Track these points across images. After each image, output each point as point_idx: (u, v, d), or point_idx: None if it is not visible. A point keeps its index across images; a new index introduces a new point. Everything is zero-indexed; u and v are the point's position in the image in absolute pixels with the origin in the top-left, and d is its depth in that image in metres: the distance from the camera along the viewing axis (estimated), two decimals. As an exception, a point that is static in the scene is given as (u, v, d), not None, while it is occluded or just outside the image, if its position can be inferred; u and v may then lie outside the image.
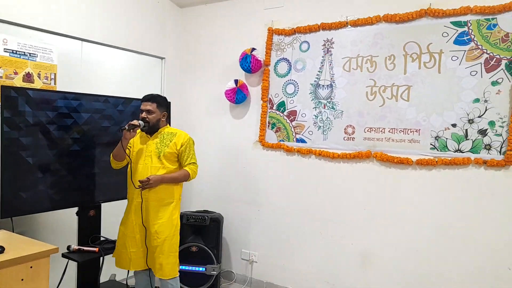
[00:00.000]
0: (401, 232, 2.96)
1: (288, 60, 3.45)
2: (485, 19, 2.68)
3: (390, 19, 2.98)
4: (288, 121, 3.45)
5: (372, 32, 3.06)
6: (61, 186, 2.69)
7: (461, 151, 2.75)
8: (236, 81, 3.60)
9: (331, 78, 3.24)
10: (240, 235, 3.74)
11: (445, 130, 2.80)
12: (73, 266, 2.81)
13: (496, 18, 2.64)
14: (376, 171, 3.05)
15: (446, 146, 2.80)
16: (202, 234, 3.47)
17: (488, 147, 2.67)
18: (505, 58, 2.62)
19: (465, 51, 2.74)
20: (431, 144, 2.85)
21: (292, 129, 3.42)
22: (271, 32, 3.52)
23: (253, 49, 3.49)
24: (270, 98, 3.54)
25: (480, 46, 2.70)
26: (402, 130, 2.94)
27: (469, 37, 2.73)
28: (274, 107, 3.52)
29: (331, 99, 3.23)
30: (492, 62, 2.66)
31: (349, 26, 3.16)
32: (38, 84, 2.91)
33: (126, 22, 3.55)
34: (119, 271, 3.27)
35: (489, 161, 2.65)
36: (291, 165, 3.44)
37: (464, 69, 2.74)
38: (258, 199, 3.63)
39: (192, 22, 4.07)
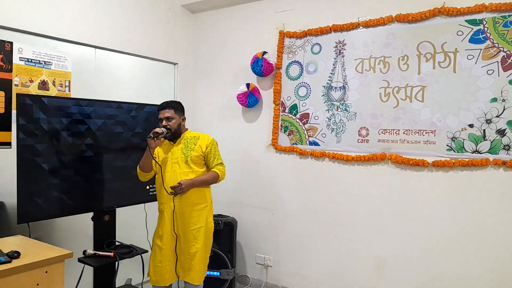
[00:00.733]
0: (418, 236, 2.90)
1: (300, 62, 3.43)
2: (501, 16, 2.61)
3: (402, 19, 2.93)
4: (300, 124, 3.42)
5: (385, 32, 3.02)
6: (75, 191, 2.71)
7: (479, 152, 2.68)
8: (247, 85, 3.60)
9: (344, 80, 3.20)
10: (254, 239, 3.72)
11: (462, 130, 2.73)
12: (89, 270, 2.83)
13: (512, 15, 2.58)
14: (391, 173, 3.00)
15: (463, 147, 2.73)
16: (216, 238, 3.43)
17: (507, 148, 2.60)
18: (523, 56, 2.56)
19: (481, 49, 2.67)
20: (447, 145, 2.78)
21: (305, 132, 3.40)
22: (282, 35, 3.50)
23: (265, 52, 3.48)
24: (282, 101, 3.52)
25: (496, 44, 2.63)
26: (417, 131, 2.89)
27: (484, 35, 2.67)
28: (287, 110, 3.50)
29: (344, 101, 3.20)
30: (509, 60, 2.59)
31: (361, 27, 3.13)
32: (53, 91, 2.95)
33: (138, 28, 3.59)
34: (135, 275, 3.29)
35: (509, 161, 2.58)
36: (304, 168, 3.41)
37: (481, 68, 2.67)
38: (272, 203, 3.61)
39: (204, 27, 4.09)
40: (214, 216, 3.55)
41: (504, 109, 2.61)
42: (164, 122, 2.71)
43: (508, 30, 2.59)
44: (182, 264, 2.72)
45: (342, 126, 3.21)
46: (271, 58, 3.48)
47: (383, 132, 3.02)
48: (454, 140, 2.76)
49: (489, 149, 2.65)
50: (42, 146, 2.53)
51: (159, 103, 3.21)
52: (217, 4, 3.90)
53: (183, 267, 2.72)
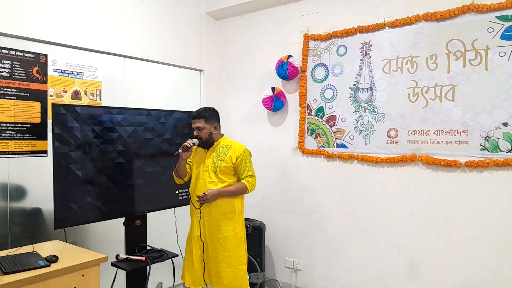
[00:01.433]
0: (452, 238, 2.82)
1: (325, 65, 3.41)
2: (534, 10, 2.53)
3: (430, 17, 2.88)
4: (327, 126, 3.40)
5: (412, 32, 2.97)
6: (108, 197, 2.78)
7: (514, 151, 2.60)
8: (273, 89, 3.61)
9: (371, 81, 3.17)
10: (283, 243, 3.71)
11: (496, 129, 2.65)
12: (121, 274, 2.89)
13: (547, 9, 2.50)
14: (422, 174, 2.93)
15: (498, 146, 2.65)
16: (244, 242, 3.47)
17: (544, 146, 2.51)
18: (559, 51, 2.46)
19: (513, 45, 2.60)
20: (481, 145, 2.71)
21: (332, 135, 3.37)
22: (307, 38, 3.50)
23: (289, 56, 3.49)
24: (308, 104, 3.51)
25: (530, 40, 2.55)
26: (448, 131, 2.82)
27: (517, 31, 2.59)
28: (313, 113, 3.48)
29: (372, 102, 3.16)
30: (545, 56, 2.50)
31: (387, 28, 3.09)
32: (85, 100, 3.05)
33: (165, 37, 3.67)
34: (166, 279, 3.34)
35: (547, 160, 2.48)
36: (332, 171, 3.39)
37: (514, 65, 2.59)
38: (300, 206, 3.60)
39: (228, 33, 4.13)
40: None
41: (540, 106, 2.52)
42: (195, 132, 2.75)
43: (543, 25, 2.51)
44: (210, 271, 2.75)
45: (370, 128, 3.17)
46: (296, 61, 3.48)
47: (413, 132, 2.97)
48: (487, 140, 2.68)
49: (525, 148, 2.57)
50: (76, 153, 2.61)
51: (186, 110, 3.28)
52: (241, 10, 3.94)
53: (210, 274, 2.75)
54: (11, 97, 2.62)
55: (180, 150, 2.67)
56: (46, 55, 2.80)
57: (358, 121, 3.23)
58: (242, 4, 3.79)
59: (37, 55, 2.76)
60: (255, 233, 3.47)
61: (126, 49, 3.33)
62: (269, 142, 3.80)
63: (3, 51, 2.58)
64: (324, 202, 3.45)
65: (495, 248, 2.67)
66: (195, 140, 2.73)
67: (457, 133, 2.79)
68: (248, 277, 3.34)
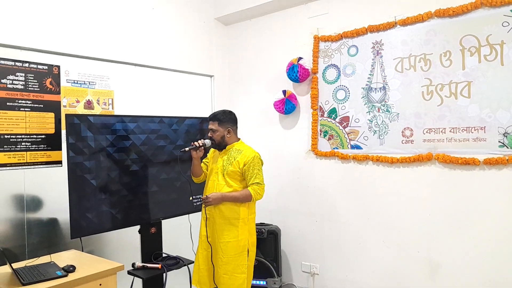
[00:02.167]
0: (472, 238, 2.76)
1: (337, 66, 3.38)
2: (550, 2, 2.47)
3: (442, 14, 2.83)
4: (340, 127, 3.37)
5: (424, 29, 2.93)
6: (123, 205, 2.79)
7: (535, 147, 2.53)
8: (284, 92, 3.59)
9: (384, 80, 3.13)
10: (299, 247, 3.68)
11: (514, 125, 2.59)
12: (138, 282, 2.89)
13: None
14: (439, 173, 2.88)
15: (517, 142, 2.59)
16: (260, 247, 3.44)
17: None
18: None
19: (530, 39, 2.54)
20: (499, 142, 2.64)
21: (346, 136, 3.34)
22: (317, 39, 3.48)
23: (300, 58, 3.47)
24: (320, 106, 3.49)
25: (547, 32, 2.48)
26: (465, 128, 2.76)
27: (533, 23, 2.53)
28: (325, 115, 3.45)
29: (385, 101, 3.12)
30: None
31: (398, 26, 3.05)
32: (97, 110, 3.07)
33: (174, 44, 3.69)
34: (181, 286, 3.33)
35: None
36: (347, 173, 3.35)
37: (531, 59, 2.53)
38: (315, 209, 3.56)
39: (238, 38, 4.14)
40: (257, 225, 3.54)
41: (560, 100, 2.45)
42: (210, 133, 2.78)
43: (560, 16, 2.45)
44: (216, 274, 2.73)
45: (385, 128, 3.12)
46: (307, 63, 3.46)
47: (428, 131, 2.92)
48: (506, 136, 2.62)
49: (546, 144, 2.50)
50: (90, 163, 2.62)
51: (198, 116, 3.29)
52: (249, 15, 3.94)
53: (216, 278, 2.73)
54: (25, 109, 2.65)
55: (186, 149, 2.69)
56: (58, 66, 2.83)
57: (372, 121, 3.19)
58: (250, 9, 3.79)
59: (50, 66, 2.78)
60: (270, 238, 3.44)
61: (137, 57, 3.35)
62: (281, 145, 3.78)
63: (16, 63, 2.61)
64: (339, 204, 3.42)
65: (518, 247, 2.60)
66: (207, 141, 2.74)
67: (474, 130, 2.73)
68: (264, 282, 3.33)
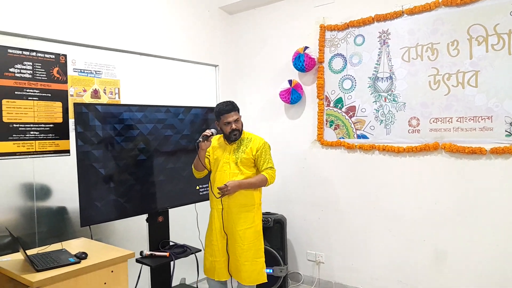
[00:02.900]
0: (478, 227, 2.79)
1: (343, 55, 3.38)
2: (559, -9, 2.47)
3: (450, 2, 2.83)
4: (347, 117, 3.37)
5: (431, 18, 2.92)
6: (130, 194, 2.80)
7: (541, 136, 2.55)
8: (290, 81, 3.59)
9: (390, 70, 3.13)
10: (304, 236, 3.71)
11: (522, 114, 2.60)
12: (145, 270, 2.91)
13: None
14: (446, 163, 2.90)
15: (524, 131, 2.60)
16: (266, 236, 3.46)
17: None
18: None
19: (538, 28, 2.54)
20: (506, 131, 2.66)
21: (352, 125, 3.35)
22: (323, 28, 3.47)
23: (306, 47, 3.46)
24: (326, 96, 3.49)
25: (555, 21, 2.48)
26: (472, 118, 2.78)
27: (542, 12, 2.53)
28: (331, 104, 3.46)
29: (392, 91, 3.13)
30: None
31: (405, 15, 3.04)
32: (104, 99, 3.07)
33: (179, 34, 3.67)
34: (188, 275, 3.37)
35: None
36: (353, 162, 3.37)
37: (539, 48, 2.54)
38: (321, 199, 3.58)
39: (242, 28, 4.12)
40: (263, 214, 3.56)
41: None
42: (234, 126, 2.70)
43: None
44: (232, 263, 2.76)
45: (391, 117, 3.13)
46: (313, 52, 3.46)
47: (435, 121, 2.93)
48: (513, 125, 2.64)
49: (553, 133, 2.52)
50: (98, 152, 2.63)
51: (202, 106, 3.28)
52: (254, 4, 3.92)
53: (232, 266, 2.76)
54: (33, 98, 2.65)
55: (200, 139, 2.66)
56: (65, 55, 2.82)
57: (378, 111, 3.20)
58: (255, -3, 3.77)
59: (57, 55, 2.78)
60: (276, 227, 3.46)
61: (142, 46, 3.34)
62: (287, 135, 3.79)
63: (24, 52, 2.60)
64: (345, 194, 3.44)
65: (523, 235, 2.63)
66: (213, 130, 2.73)
67: (481, 119, 2.74)
68: (271, 271, 3.36)
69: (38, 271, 1.96)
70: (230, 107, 2.72)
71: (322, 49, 3.48)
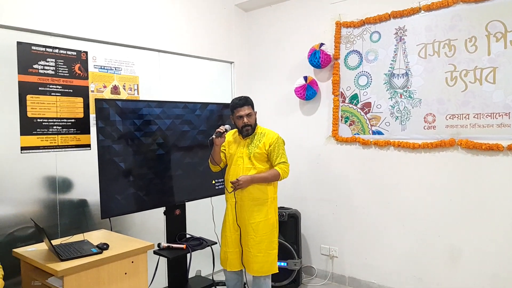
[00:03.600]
0: (495, 224, 2.78)
1: (359, 52, 3.39)
2: None
3: (468, -1, 2.81)
4: (362, 113, 3.38)
5: (449, 15, 2.91)
6: (149, 188, 2.86)
7: (560, 133, 2.52)
8: (305, 78, 3.61)
9: (406, 67, 3.13)
10: (318, 230, 3.73)
11: (540, 111, 2.59)
12: (162, 262, 2.97)
13: None
14: (462, 159, 2.89)
15: (542, 128, 2.58)
16: (280, 230, 3.48)
17: None
18: None
19: (558, 24, 2.51)
20: (524, 128, 2.64)
21: (367, 122, 3.35)
22: (339, 25, 3.48)
23: (322, 44, 3.47)
24: (341, 92, 3.50)
25: None
26: (489, 114, 2.77)
27: (562, 8, 2.50)
28: (347, 101, 3.47)
29: (408, 87, 3.12)
30: None
31: (422, 12, 3.03)
32: (123, 95, 3.13)
33: (196, 31, 3.71)
34: (204, 267, 3.42)
35: None
36: (368, 158, 3.38)
37: (558, 44, 2.51)
38: (335, 194, 3.60)
39: (258, 25, 4.14)
40: (278, 208, 3.59)
41: None
42: (245, 120, 2.74)
43: None
44: (244, 255, 2.80)
45: (407, 114, 3.13)
46: (329, 49, 3.47)
47: (451, 117, 2.92)
48: (531, 122, 2.62)
49: None
50: (119, 146, 2.69)
51: (218, 102, 3.32)
52: (270, 1, 3.94)
53: (245, 258, 2.80)
54: (56, 94, 2.72)
55: (213, 136, 2.71)
56: (86, 52, 2.89)
57: (394, 107, 3.20)
58: (271, -6, 3.79)
59: (79, 52, 2.84)
60: (291, 221, 3.50)
61: (160, 44, 3.39)
62: (301, 131, 3.81)
63: (47, 49, 2.68)
64: (359, 189, 3.45)
65: (540, 232, 2.61)
66: (227, 126, 2.76)
67: (499, 116, 2.73)
68: (285, 264, 3.40)
69: (62, 260, 2.03)
70: (243, 101, 2.76)
71: (338, 45, 3.49)
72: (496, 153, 2.74)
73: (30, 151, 2.60)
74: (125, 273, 2.23)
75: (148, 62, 3.33)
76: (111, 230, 2.71)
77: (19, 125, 2.55)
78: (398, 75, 3.18)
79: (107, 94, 3.03)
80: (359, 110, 3.40)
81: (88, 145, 2.89)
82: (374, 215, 3.37)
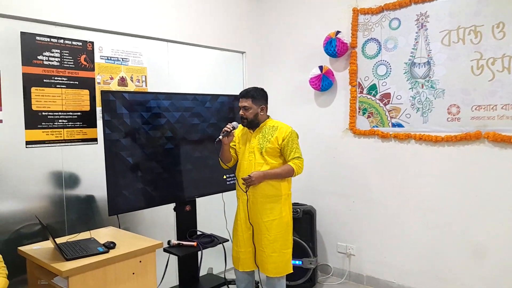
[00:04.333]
0: (524, 221, 2.62)
1: (377, 40, 3.23)
2: None
3: (496, -19, 2.63)
4: (381, 105, 3.23)
5: (475, -1, 2.73)
6: (158, 183, 2.77)
7: None
8: (320, 68, 3.47)
9: (428, 55, 2.96)
10: (334, 227, 3.62)
11: None
12: (172, 259, 2.89)
13: None
14: (489, 153, 2.73)
15: None
16: (295, 227, 3.36)
17: None
18: None
19: None
20: (557, 119, 2.46)
21: (387, 113, 3.20)
22: (356, 12, 3.32)
23: (338, 32, 3.32)
24: (359, 82, 3.36)
25: None
26: (519, 105, 2.60)
27: None
28: (365, 91, 3.32)
29: (430, 77, 2.96)
30: None
31: (446, -4, 2.86)
32: (131, 87, 3.03)
33: (206, 20, 3.59)
34: (216, 264, 3.34)
35: None
36: (387, 152, 3.24)
37: None
38: (352, 190, 3.48)
39: (270, 13, 4.01)
40: (292, 204, 3.47)
41: None
42: (241, 112, 2.67)
43: None
44: (258, 254, 2.70)
45: (429, 105, 2.98)
46: (345, 37, 3.32)
47: (477, 108, 2.75)
48: None
49: None
50: (126, 140, 2.60)
51: (229, 93, 3.20)
52: (283, -12, 3.80)
53: (258, 258, 2.70)
54: (61, 86, 2.63)
55: (220, 136, 2.61)
56: (92, 43, 2.79)
57: (415, 98, 3.05)
58: (284, -19, 3.65)
59: (84, 42, 2.75)
60: (306, 218, 3.38)
61: (169, 33, 3.28)
62: (317, 123, 3.68)
63: (52, 40, 2.58)
64: (378, 185, 3.32)
65: None
66: (235, 123, 2.66)
67: (530, 107, 2.55)
68: (300, 262, 3.29)
69: (67, 259, 1.96)
70: (243, 92, 2.69)
71: (355, 33, 3.33)
72: (527, 147, 2.58)
73: (35, 145, 2.52)
74: (133, 273, 2.15)
75: (157, 52, 3.22)
76: (119, 227, 2.63)
77: (24, 119, 2.47)
78: (419, 64, 3.01)
79: (114, 86, 2.93)
80: (377, 101, 3.25)
81: (95, 139, 2.80)
82: (394, 211, 3.23)
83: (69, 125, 2.67)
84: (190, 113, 2.96)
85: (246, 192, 2.67)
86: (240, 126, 2.79)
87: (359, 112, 3.37)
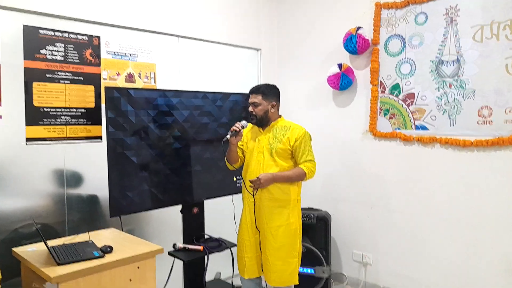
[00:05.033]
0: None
1: (401, 36, 3.02)
2: None
3: (537, -31, 2.38)
4: (404, 106, 3.02)
5: (511, -10, 2.49)
6: (164, 184, 2.67)
7: None
8: (340, 65, 3.29)
9: (458, 52, 2.74)
10: (350, 235, 3.43)
11: None
12: (178, 263, 2.78)
13: None
14: (524, 160, 2.48)
15: None
16: (308, 233, 3.23)
17: None
18: None
19: None
20: None
21: (410, 115, 2.99)
22: (379, 6, 3.13)
23: (359, 27, 3.14)
24: (381, 81, 3.16)
25: None
26: (560, 108, 2.34)
27: None
28: (387, 91, 3.12)
29: (459, 76, 2.74)
30: None
31: (478, -12, 2.63)
32: (139, 83, 2.93)
33: (220, 15, 3.49)
34: (224, 269, 3.20)
35: None
36: (409, 157, 3.03)
37: None
38: (370, 196, 3.29)
39: (287, 9, 3.86)
40: (305, 209, 3.32)
41: None
42: (250, 108, 2.54)
43: None
44: (263, 262, 2.56)
45: (457, 106, 2.75)
46: (367, 33, 3.14)
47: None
48: None
49: None
50: (131, 139, 2.51)
51: (242, 92, 3.07)
52: (302, -19, 3.63)
53: (263, 266, 2.57)
54: (65, 81, 2.55)
55: (228, 136, 2.48)
56: (99, 37, 2.70)
57: (441, 99, 2.83)
58: (303, -26, 3.48)
59: (90, 37, 2.66)
60: (320, 224, 3.22)
61: (181, 28, 3.18)
62: (335, 124, 3.51)
63: (56, 33, 2.50)
64: (399, 191, 3.12)
65: None
66: (244, 122, 2.52)
67: None
68: (312, 271, 3.12)
69: (59, 264, 1.86)
70: (253, 89, 2.58)
71: (378, 29, 3.13)
72: None
73: (36, 142, 2.45)
74: (130, 280, 2.04)
75: (167, 48, 3.12)
76: (122, 229, 2.52)
77: (25, 115, 2.39)
78: (447, 62, 2.79)
79: (121, 83, 2.83)
80: (400, 102, 3.05)
81: (99, 137, 2.71)
82: (415, 220, 3.02)
83: (73, 122, 2.59)
84: (200, 111, 2.85)
85: (253, 195, 2.51)
86: (249, 125, 2.64)
87: (380, 113, 3.18)
